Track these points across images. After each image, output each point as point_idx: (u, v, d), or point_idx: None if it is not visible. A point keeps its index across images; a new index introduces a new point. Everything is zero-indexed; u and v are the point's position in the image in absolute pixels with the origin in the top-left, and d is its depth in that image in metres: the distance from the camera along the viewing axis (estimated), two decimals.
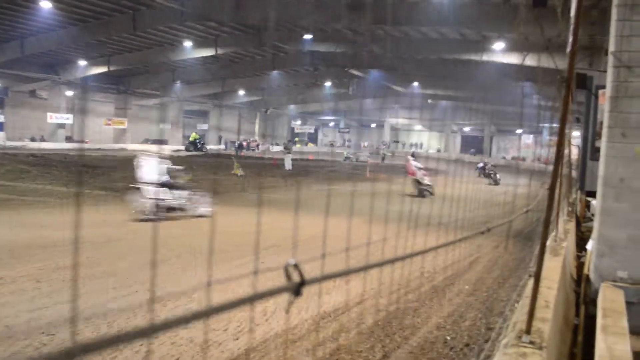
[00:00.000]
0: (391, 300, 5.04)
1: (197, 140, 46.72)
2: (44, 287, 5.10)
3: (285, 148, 30.04)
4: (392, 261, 1.67)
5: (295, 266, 0.89)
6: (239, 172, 20.68)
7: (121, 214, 9.63)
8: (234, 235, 7.23)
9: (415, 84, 43.97)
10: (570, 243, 4.83)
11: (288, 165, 25.75)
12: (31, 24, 30.05)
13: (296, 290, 0.89)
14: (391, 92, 51.21)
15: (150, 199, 9.28)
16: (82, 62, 40.71)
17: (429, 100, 54.57)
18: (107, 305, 4.69)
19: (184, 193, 10.28)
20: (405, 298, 5.29)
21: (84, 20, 30.84)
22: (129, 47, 37.49)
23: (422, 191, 15.64)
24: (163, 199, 9.73)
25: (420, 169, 16.64)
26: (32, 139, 42.87)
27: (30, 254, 6.34)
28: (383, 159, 45.07)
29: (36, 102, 46.21)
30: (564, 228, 5.49)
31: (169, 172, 10.34)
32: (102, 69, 41.32)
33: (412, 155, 18.09)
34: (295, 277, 0.90)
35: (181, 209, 10.08)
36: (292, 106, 64.99)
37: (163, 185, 9.79)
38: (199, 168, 22.32)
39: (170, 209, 9.95)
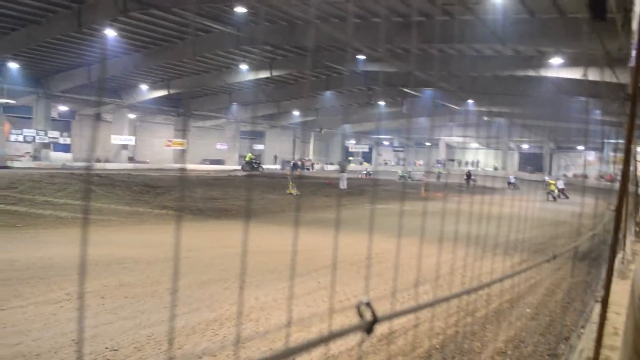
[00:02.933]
0: (448, 323, 4.93)
1: (253, 160, 47.44)
2: (108, 304, 5.27)
3: (339, 167, 30.14)
4: (460, 294, 1.64)
5: (368, 304, 0.90)
6: (294, 191, 20.86)
7: (184, 232, 9.85)
8: (287, 255, 7.32)
9: (470, 101, 43.31)
10: (638, 265, 4.62)
11: (343, 184, 25.78)
12: (97, 51, 31.52)
13: (369, 328, 0.90)
14: (445, 110, 50.64)
15: None
16: (144, 87, 42.30)
17: (485, 118, 53.62)
18: (168, 323, 4.79)
19: None
20: (464, 321, 5.17)
21: (145, 47, 32.13)
22: (188, 71, 38.75)
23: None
24: None
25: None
26: (97, 160, 44.60)
27: (96, 271, 6.58)
28: (439, 177, 44.50)
29: (101, 124, 48.37)
30: (632, 249, 5.25)
31: None
32: (162, 93, 42.82)
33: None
34: (368, 315, 0.90)
35: None
36: (346, 126, 65.24)
37: None
38: (255, 188, 22.67)
39: None
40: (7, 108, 40.05)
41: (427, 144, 68.92)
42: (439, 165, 57.97)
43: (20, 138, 40.63)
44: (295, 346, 0.77)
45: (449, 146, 66.53)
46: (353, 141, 70.31)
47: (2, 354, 3.87)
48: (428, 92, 41.68)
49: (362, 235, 6.99)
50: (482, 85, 34.22)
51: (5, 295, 5.31)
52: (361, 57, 30.89)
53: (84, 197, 15.18)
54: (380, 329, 4.86)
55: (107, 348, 4.14)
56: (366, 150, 71.78)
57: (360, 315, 0.89)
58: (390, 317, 0.99)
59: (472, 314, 5.48)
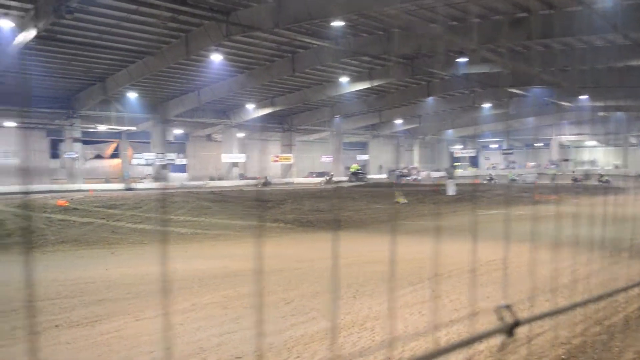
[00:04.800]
0: (574, 332, 4.68)
1: (358, 171, 47.62)
2: (230, 313, 5.53)
3: (447, 174, 29.57)
4: (598, 298, 1.58)
5: (508, 307, 0.91)
6: (402, 200, 20.72)
7: (292, 244, 10.14)
8: (399, 264, 7.29)
9: (583, 96, 40.74)
10: None
11: (451, 190, 25.22)
12: (205, 76, 33.27)
13: (509, 331, 0.90)
14: (556, 108, 48.07)
15: None
16: (250, 105, 43.94)
17: (601, 113, 50.23)
18: (287, 332, 4.94)
19: None
20: (592, 330, 4.87)
21: (249, 68, 33.43)
22: (290, 87, 39.78)
23: None
24: None
25: None
26: (211, 178, 46.87)
27: (215, 283, 6.93)
28: (553, 179, 42.26)
29: (212, 144, 50.86)
30: None
31: None
32: (267, 110, 44.24)
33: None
34: (508, 318, 0.91)
35: None
36: (449, 131, 63.83)
37: None
38: (362, 198, 22.77)
39: None
40: (129, 134, 43.44)
41: (538, 144, 65.65)
42: (552, 166, 54.98)
43: (142, 161, 43.78)
44: (441, 348, 0.79)
45: (562, 146, 62.89)
46: (458, 146, 68.53)
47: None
48: (535, 90, 39.77)
49: (471, 243, 6.83)
50: (595, 78, 32.16)
51: (138, 307, 5.74)
52: (462, 59, 30.21)
53: (202, 213, 16.03)
54: (498, 339, 4.69)
55: (232, 356, 4.35)
56: (473, 154, 69.68)
57: (500, 318, 0.90)
58: (532, 319, 0.99)
59: (599, 323, 5.16)
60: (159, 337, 4.77)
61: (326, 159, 56.19)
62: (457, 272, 7.21)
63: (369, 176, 49.92)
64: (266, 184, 41.46)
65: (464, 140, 68.39)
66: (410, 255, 8.09)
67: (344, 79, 36.80)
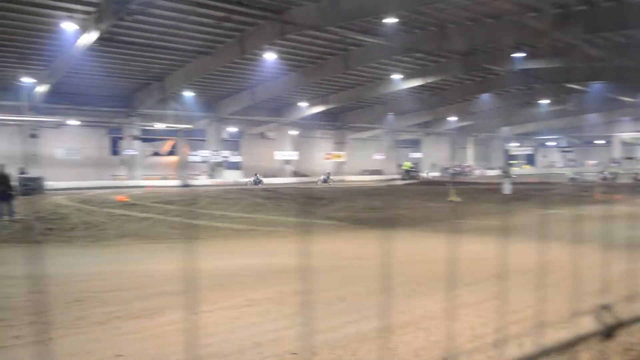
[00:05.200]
0: None
1: (411, 169, 47.13)
2: (284, 309, 5.57)
3: (503, 172, 28.90)
4: None
5: (607, 307, 0.86)
6: (455, 198, 20.38)
7: (345, 242, 10.14)
8: (453, 263, 7.16)
9: None
10: None
11: (507, 189, 24.61)
12: (259, 74, 33.63)
13: (607, 332, 0.86)
14: (619, 104, 46.13)
15: None
16: (303, 104, 44.14)
17: None
18: (341, 330, 4.94)
19: None
20: None
21: (302, 66, 33.59)
22: (343, 85, 39.73)
23: None
24: None
25: None
26: (265, 175, 47.37)
27: (270, 279, 7.00)
28: (614, 177, 40.62)
29: (265, 142, 51.44)
30: None
31: None
32: (320, 108, 44.34)
33: None
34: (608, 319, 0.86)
35: None
36: (505, 128, 62.24)
37: None
38: (414, 196, 22.54)
39: None
40: (185, 132, 44.49)
41: (599, 142, 63.14)
42: (615, 164, 52.82)
43: (197, 159, 44.78)
44: (536, 352, 0.76)
45: (625, 143, 60.24)
46: (514, 144, 66.70)
47: (198, 353, 4.27)
48: (596, 85, 38.27)
49: (530, 243, 6.61)
50: None
51: (195, 301, 5.87)
52: (518, 55, 29.39)
53: (256, 210, 16.26)
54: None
55: (287, 351, 4.38)
56: (529, 152, 67.71)
57: (599, 319, 0.86)
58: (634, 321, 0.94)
59: None
60: (216, 331, 4.86)
61: (379, 156, 55.88)
62: (519, 272, 7.02)
63: (422, 174, 49.32)
64: (326, 180, 41.51)
65: (520, 137, 66.53)
66: (467, 254, 7.91)
67: (396, 76, 36.45)
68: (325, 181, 41.12)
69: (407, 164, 49.18)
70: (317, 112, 44.99)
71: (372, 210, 17.15)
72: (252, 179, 39.29)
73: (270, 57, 29.89)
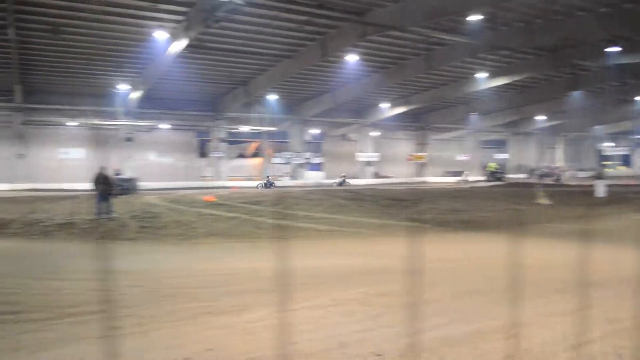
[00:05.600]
0: None
1: (497, 170, 45.74)
2: (369, 311, 5.54)
3: (596, 173, 27.42)
4: None
5: None
6: (544, 201, 19.53)
7: (429, 244, 9.95)
8: (546, 269, 6.86)
9: None
10: None
11: (600, 191, 23.30)
12: (340, 76, 33.81)
13: None
14: None
15: None
16: (384, 105, 43.95)
17: None
18: (428, 333, 4.85)
19: None
20: None
21: (384, 67, 33.45)
22: (426, 85, 39.20)
23: None
24: None
25: None
26: (346, 177, 47.49)
27: (354, 280, 7.00)
28: None
29: (346, 144, 51.62)
30: None
31: None
32: (402, 109, 44.00)
33: None
34: None
35: None
36: (598, 127, 58.95)
37: None
38: (500, 198, 21.81)
39: None
40: (269, 135, 45.52)
41: None
42: None
43: (280, 160, 45.66)
44: None
45: None
46: (608, 143, 62.95)
47: (284, 350, 4.34)
48: None
49: (626, 249, 6.23)
50: None
51: (282, 300, 5.96)
52: (613, 49, 27.77)
53: (338, 211, 16.34)
54: None
55: (372, 353, 4.35)
56: (625, 152, 63.74)
57: None
58: None
59: None
60: (301, 329, 4.91)
61: (462, 157, 54.61)
62: (613, 281, 6.63)
63: (508, 175, 47.68)
64: (341, 184, 40.86)
65: (614, 137, 62.76)
66: (558, 260, 7.58)
67: (481, 75, 35.50)
68: (340, 184, 40.15)
69: (492, 165, 47.73)
70: (398, 113, 44.65)
71: (456, 212, 16.76)
72: (338, 180, 39.44)
73: (351, 58, 29.98)
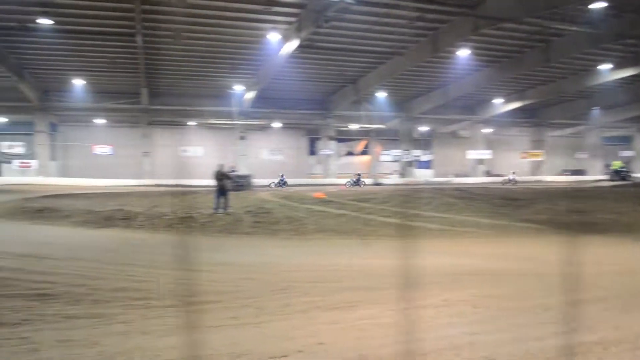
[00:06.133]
0: None
1: (622, 169, 42.51)
2: (481, 313, 5.41)
3: None
4: None
5: None
6: None
7: (546, 246, 9.49)
8: None
9: None
10: None
11: None
12: (451, 72, 33.06)
13: None
14: None
15: None
16: (497, 100, 42.38)
17: None
18: (546, 340, 4.65)
19: None
20: None
21: (497, 61, 32.26)
22: (542, 79, 37.31)
23: None
24: None
25: None
26: (457, 175, 46.46)
27: (464, 281, 6.85)
28: None
29: (457, 141, 50.35)
30: None
31: None
32: (516, 104, 42.23)
33: None
34: None
35: None
36: None
37: None
38: (626, 199, 20.25)
39: None
40: (377, 132, 45.48)
41: None
42: None
43: (388, 158, 45.53)
44: None
45: None
46: None
47: (395, 349, 4.35)
48: None
49: None
50: None
51: (390, 298, 5.95)
52: None
53: (448, 210, 16.01)
54: None
55: (484, 357, 4.24)
56: None
57: None
58: None
59: None
60: (413, 328, 4.89)
61: (581, 155, 51.35)
62: None
63: (634, 174, 44.14)
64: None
65: None
66: None
67: (604, 67, 33.16)
68: (356, 183, 37.93)
69: (617, 164, 44.36)
70: (512, 108, 42.84)
71: (576, 213, 15.79)
72: (352, 179, 37.69)
73: (463, 53, 29.21)
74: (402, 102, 41.92)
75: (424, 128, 47.39)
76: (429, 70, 33.35)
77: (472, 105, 44.56)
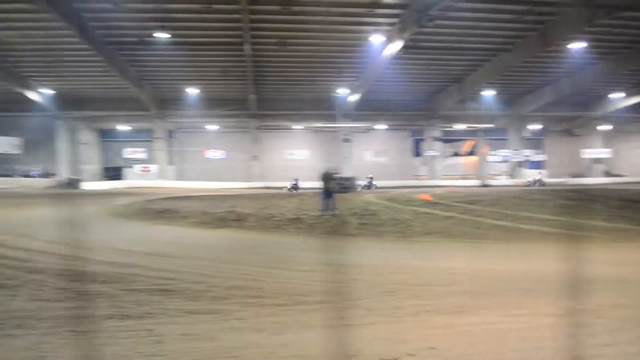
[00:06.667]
0: None
1: None
2: (606, 324, 5.09)
3: None
4: None
5: None
6: None
7: None
8: None
9: None
10: None
11: None
12: (563, 67, 31.36)
13: None
14: None
15: None
16: (616, 95, 39.74)
17: None
18: None
19: None
20: None
21: (615, 53, 30.27)
22: None
23: None
24: None
25: None
26: (573, 175, 44.01)
27: (585, 288, 6.46)
28: None
29: (571, 139, 47.59)
30: None
31: None
32: (636, 99, 39.33)
33: None
34: None
35: None
36: None
37: None
38: None
39: None
40: (484, 132, 44.17)
41: None
42: None
43: (497, 158, 43.97)
44: None
45: None
46: None
47: (511, 358, 4.22)
48: None
49: None
50: None
51: (502, 303, 5.78)
52: None
53: (564, 212, 15.18)
54: None
55: None
56: None
57: None
58: None
59: None
60: (527, 337, 4.71)
61: None
62: None
63: None
64: None
65: None
66: None
67: None
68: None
69: None
70: (632, 103, 39.82)
71: None
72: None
73: (576, 46, 27.57)
74: (510, 100, 40.35)
75: (534, 126, 45.24)
76: (539, 65, 31.82)
77: (586, 101, 41.93)
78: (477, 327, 4.91)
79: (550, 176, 43.14)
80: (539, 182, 37.14)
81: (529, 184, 36.64)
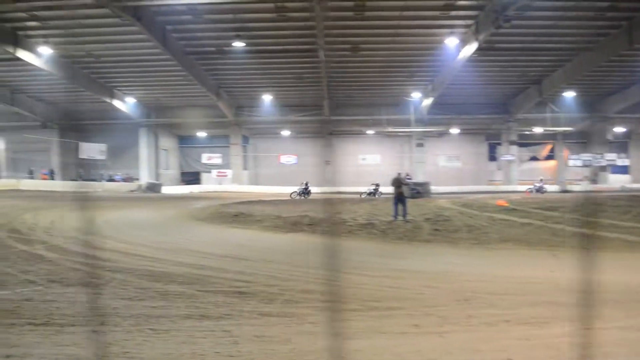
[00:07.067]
0: None
1: None
2: None
3: None
4: None
5: None
6: None
7: None
8: None
9: None
10: None
11: None
12: None
13: None
14: None
15: None
16: None
17: None
18: None
19: None
20: None
21: None
22: None
23: None
24: None
25: None
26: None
27: None
28: None
29: None
30: None
31: None
32: None
33: None
34: None
35: None
36: None
37: None
38: None
39: None
40: (564, 135, 42.35)
41: None
42: None
43: (578, 162, 42.05)
44: None
45: None
46: None
47: None
48: None
49: None
50: None
51: (589, 316, 5.52)
52: None
53: None
54: None
55: None
56: None
57: None
58: None
59: None
60: (613, 352, 4.48)
61: None
62: None
63: None
64: None
65: None
66: None
67: None
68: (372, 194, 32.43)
69: None
70: None
71: None
72: (369, 188, 32.91)
73: None
74: (592, 102, 38.52)
75: (619, 129, 42.93)
76: (624, 64, 30.22)
77: None
78: (559, 339, 4.72)
79: (635, 181, 40.81)
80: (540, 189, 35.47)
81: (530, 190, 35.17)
